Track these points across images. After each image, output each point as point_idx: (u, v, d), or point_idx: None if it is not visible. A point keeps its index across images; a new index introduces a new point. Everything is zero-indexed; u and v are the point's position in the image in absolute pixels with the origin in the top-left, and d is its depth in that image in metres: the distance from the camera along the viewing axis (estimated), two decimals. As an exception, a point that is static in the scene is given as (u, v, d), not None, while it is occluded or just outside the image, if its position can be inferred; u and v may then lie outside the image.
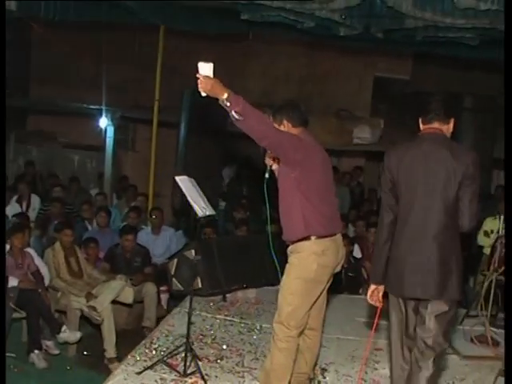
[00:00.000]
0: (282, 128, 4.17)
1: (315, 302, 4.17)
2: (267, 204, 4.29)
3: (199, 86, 3.67)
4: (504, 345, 3.67)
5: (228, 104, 3.65)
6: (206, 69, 3.68)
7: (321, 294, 4.22)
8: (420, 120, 3.95)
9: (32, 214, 9.03)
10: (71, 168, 12.41)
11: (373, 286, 3.98)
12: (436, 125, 3.88)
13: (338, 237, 4.26)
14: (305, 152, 4.01)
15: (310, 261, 4.04)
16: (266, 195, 4.27)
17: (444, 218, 3.73)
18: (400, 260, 3.79)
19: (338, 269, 4.30)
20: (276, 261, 4.34)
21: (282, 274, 4.19)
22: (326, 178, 4.22)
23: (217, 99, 3.69)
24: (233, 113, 3.68)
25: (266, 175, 4.33)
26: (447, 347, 4.09)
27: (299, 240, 4.10)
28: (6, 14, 5.91)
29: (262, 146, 3.96)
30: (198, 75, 3.67)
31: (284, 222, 4.22)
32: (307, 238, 4.08)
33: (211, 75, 3.67)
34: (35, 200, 9.39)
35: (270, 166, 4.34)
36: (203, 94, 3.71)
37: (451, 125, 3.94)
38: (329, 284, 4.30)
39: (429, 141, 3.85)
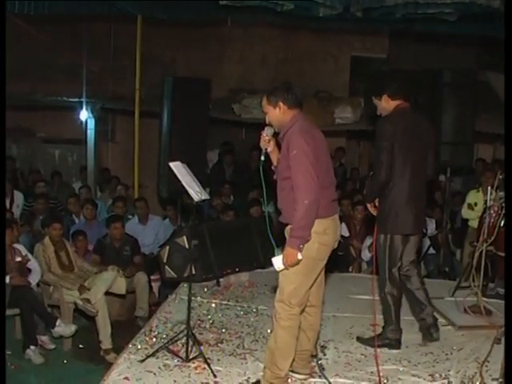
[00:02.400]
0: (277, 110, 4.15)
1: (316, 279, 4.20)
2: (263, 186, 4.27)
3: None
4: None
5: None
6: (279, 262, 4.05)
7: (321, 271, 4.24)
8: (388, 96, 4.83)
9: (16, 211, 8.96)
10: (52, 162, 12.38)
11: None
12: (402, 101, 4.84)
13: (336, 215, 4.29)
14: (313, 144, 4.02)
15: (311, 240, 4.02)
16: (261, 178, 4.26)
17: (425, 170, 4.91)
18: (408, 204, 4.79)
19: (335, 245, 4.32)
20: (273, 242, 4.33)
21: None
22: (326, 161, 4.21)
23: None
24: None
25: (262, 158, 4.31)
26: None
27: None
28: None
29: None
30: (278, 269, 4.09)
31: (284, 207, 4.18)
32: None
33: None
34: (18, 196, 9.29)
35: (266, 149, 4.32)
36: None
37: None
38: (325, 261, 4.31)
39: (408, 113, 4.85)
